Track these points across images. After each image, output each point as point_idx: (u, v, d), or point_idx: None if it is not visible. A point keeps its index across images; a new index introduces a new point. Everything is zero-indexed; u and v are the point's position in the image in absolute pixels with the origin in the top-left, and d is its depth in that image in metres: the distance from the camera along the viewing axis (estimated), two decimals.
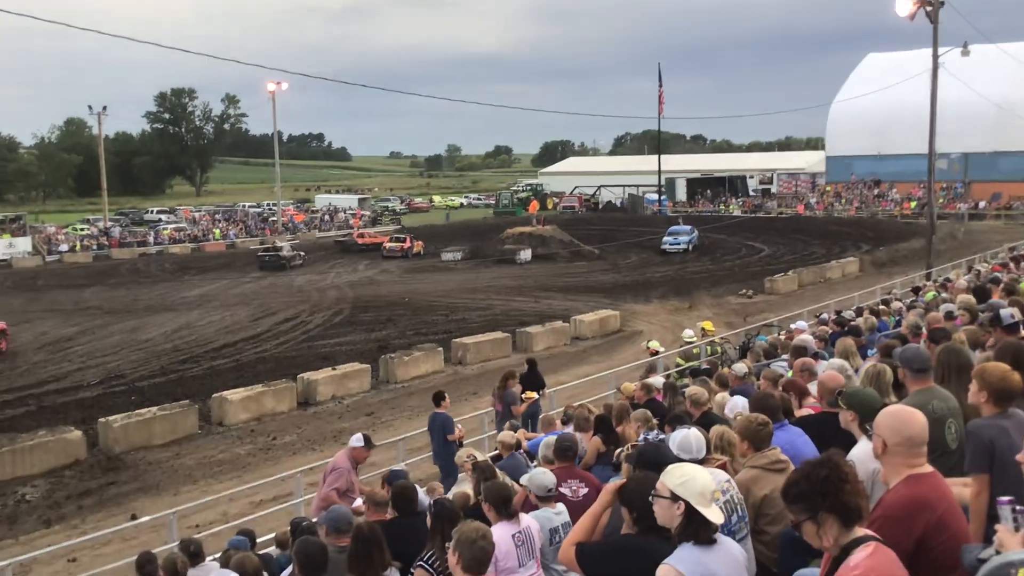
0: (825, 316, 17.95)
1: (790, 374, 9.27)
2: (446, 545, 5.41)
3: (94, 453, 17.71)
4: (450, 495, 7.27)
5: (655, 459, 4.74)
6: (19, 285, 46.95)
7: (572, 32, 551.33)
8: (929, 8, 31.46)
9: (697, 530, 3.70)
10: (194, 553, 6.80)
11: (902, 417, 3.77)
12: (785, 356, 11.81)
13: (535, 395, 15.19)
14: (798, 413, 7.17)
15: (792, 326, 16.82)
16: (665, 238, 54.30)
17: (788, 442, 5.70)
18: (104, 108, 73.44)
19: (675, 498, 3.75)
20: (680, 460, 4.87)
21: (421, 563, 5.45)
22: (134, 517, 13.84)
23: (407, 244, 56.86)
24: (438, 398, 13.56)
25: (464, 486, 7.64)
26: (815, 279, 39.21)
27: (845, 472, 3.25)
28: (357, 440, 9.59)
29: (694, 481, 3.76)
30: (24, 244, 60.13)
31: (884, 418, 3.80)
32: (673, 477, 3.81)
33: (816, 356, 10.03)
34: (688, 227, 56.83)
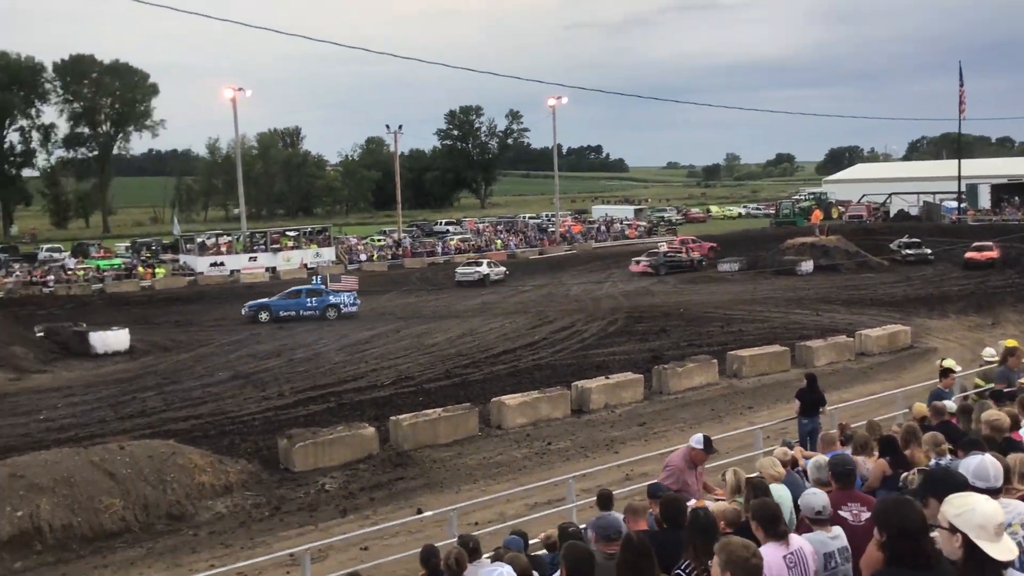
0: None
1: None
2: (703, 557, 5.35)
3: (385, 449, 18.92)
4: (716, 509, 7.12)
5: (943, 485, 4.39)
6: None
7: (862, 33, 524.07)
8: None
9: (981, 565, 3.38)
10: (473, 549, 7.10)
11: None
12: None
13: None
14: None
15: None
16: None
17: None
18: (400, 127, 79.05)
19: (953, 529, 3.45)
20: (974, 488, 4.50)
21: (679, 571, 5.40)
22: (420, 511, 14.66)
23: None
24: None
25: (724, 502, 7.47)
26: None
27: None
28: (697, 441, 9.46)
29: (973, 512, 3.43)
30: (329, 254, 65.64)
31: None
32: (952, 507, 3.50)
33: None
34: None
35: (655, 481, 8.64)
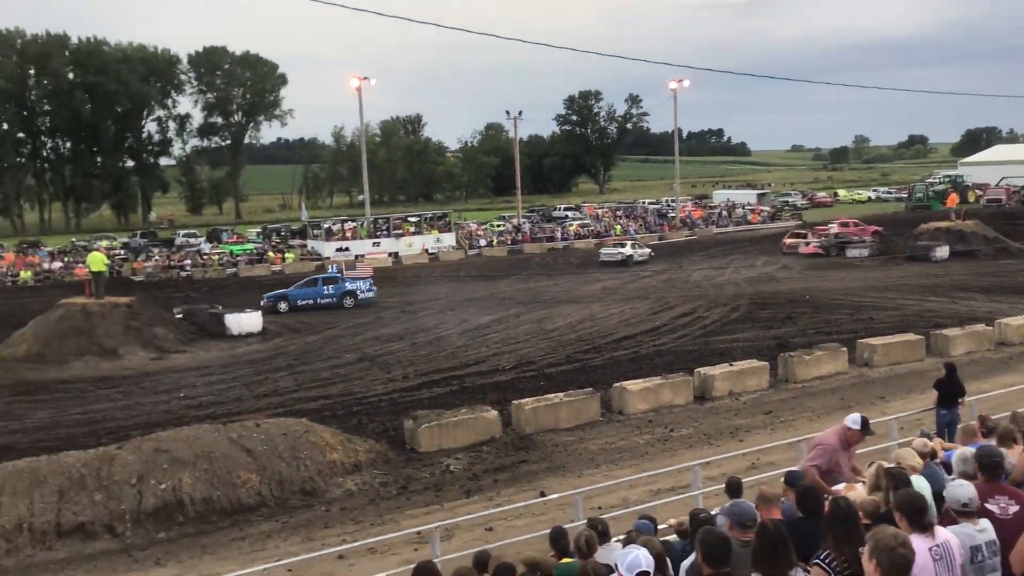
0: None
1: None
2: (843, 547, 5.25)
3: (507, 432, 19.12)
4: (855, 499, 6.96)
5: None
6: (445, 276, 52.12)
7: (1001, 7, 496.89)
8: None
9: None
10: (602, 532, 7.14)
11: None
12: None
13: None
14: None
15: None
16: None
17: None
18: (520, 113, 79.45)
19: None
20: None
21: (818, 561, 5.32)
22: (543, 494, 14.78)
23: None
24: None
25: (862, 492, 7.28)
26: None
27: None
28: (853, 422, 9.21)
29: None
30: (449, 239, 66.57)
31: None
32: None
33: None
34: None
35: (793, 469, 8.49)
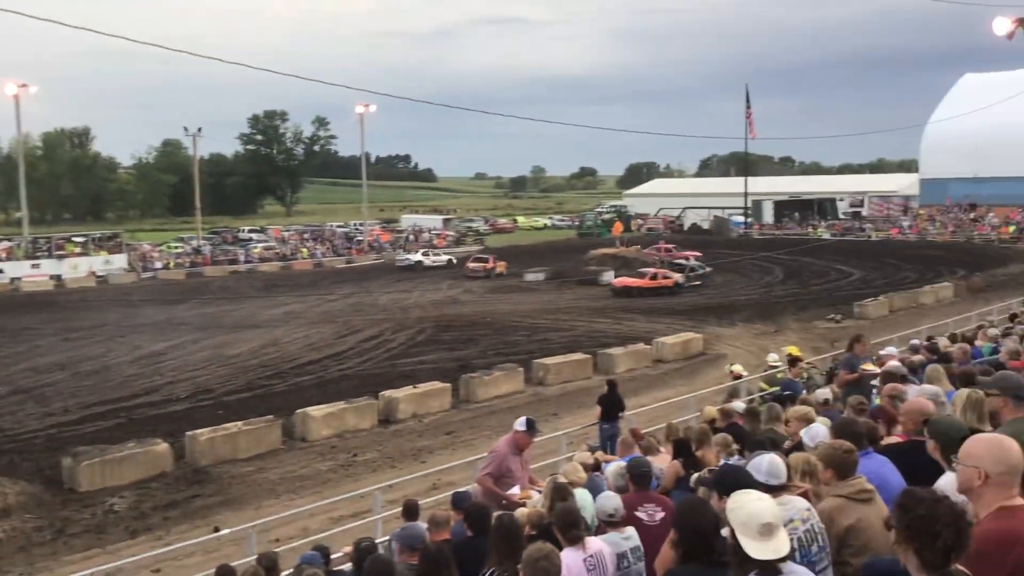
0: (915, 343, 17.27)
1: (877, 401, 8.94)
2: (507, 563, 5.39)
3: (180, 466, 18.10)
4: (521, 513, 7.19)
5: (734, 483, 4.58)
6: (115, 301, 48.50)
7: (659, 54, 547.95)
8: None
9: (743, 561, 3.49)
10: (269, 567, 6.86)
11: (1003, 445, 3.51)
12: (874, 383, 11.42)
13: None
14: (885, 441, 6.90)
15: (881, 352, 16.19)
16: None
17: (873, 471, 5.45)
18: (199, 129, 75.99)
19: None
20: (768, 485, 4.71)
21: None
22: (216, 530, 14.06)
23: (490, 264, 57.21)
24: None
25: (537, 497, 7.57)
26: (907, 304, 37.98)
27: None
28: (520, 424, 9.17)
29: (741, 510, 3.57)
30: (120, 261, 62.24)
31: (980, 447, 3.54)
32: (730, 502, 3.66)
33: (904, 379, 9.64)
34: None
35: (459, 490, 8.62)
